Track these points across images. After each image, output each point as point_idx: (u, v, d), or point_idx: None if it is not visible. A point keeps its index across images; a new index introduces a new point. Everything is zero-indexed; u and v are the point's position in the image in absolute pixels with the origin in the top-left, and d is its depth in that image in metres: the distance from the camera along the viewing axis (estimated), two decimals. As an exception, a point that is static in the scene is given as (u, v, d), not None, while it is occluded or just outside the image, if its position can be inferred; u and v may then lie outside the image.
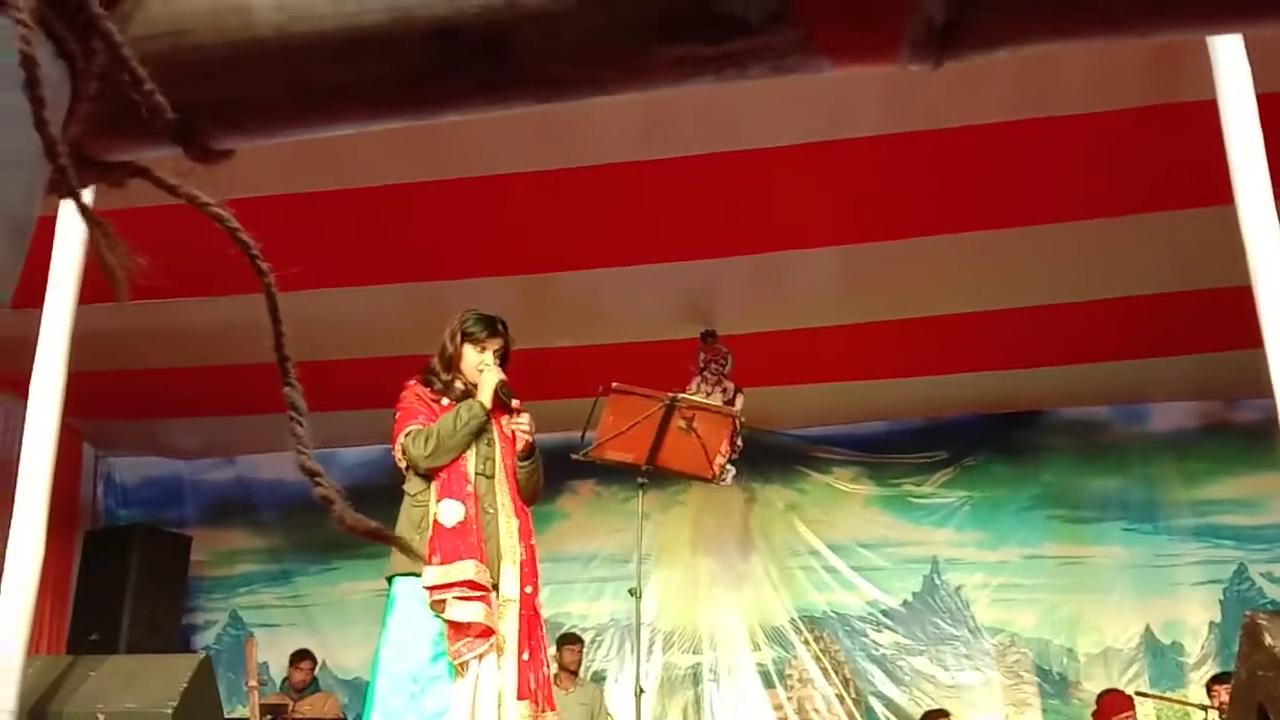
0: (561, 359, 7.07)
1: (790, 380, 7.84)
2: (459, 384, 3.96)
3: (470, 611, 3.61)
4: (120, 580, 7.90)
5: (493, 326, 4.01)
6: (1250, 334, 3.21)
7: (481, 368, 3.93)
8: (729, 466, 7.00)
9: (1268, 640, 3.20)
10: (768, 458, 8.48)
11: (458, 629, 3.62)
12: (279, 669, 7.97)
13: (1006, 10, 0.63)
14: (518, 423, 3.93)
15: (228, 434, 8.55)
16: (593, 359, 6.82)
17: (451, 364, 3.98)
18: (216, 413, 8.11)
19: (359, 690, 7.87)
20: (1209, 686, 6.73)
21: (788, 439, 8.66)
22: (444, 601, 3.62)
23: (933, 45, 0.64)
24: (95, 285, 3.72)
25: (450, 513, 3.74)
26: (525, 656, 3.69)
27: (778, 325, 7.25)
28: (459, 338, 3.99)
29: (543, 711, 3.71)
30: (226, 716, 4.79)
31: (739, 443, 6.96)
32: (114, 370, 6.95)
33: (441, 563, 3.65)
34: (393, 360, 4.30)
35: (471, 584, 3.63)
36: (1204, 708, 6.21)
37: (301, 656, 7.81)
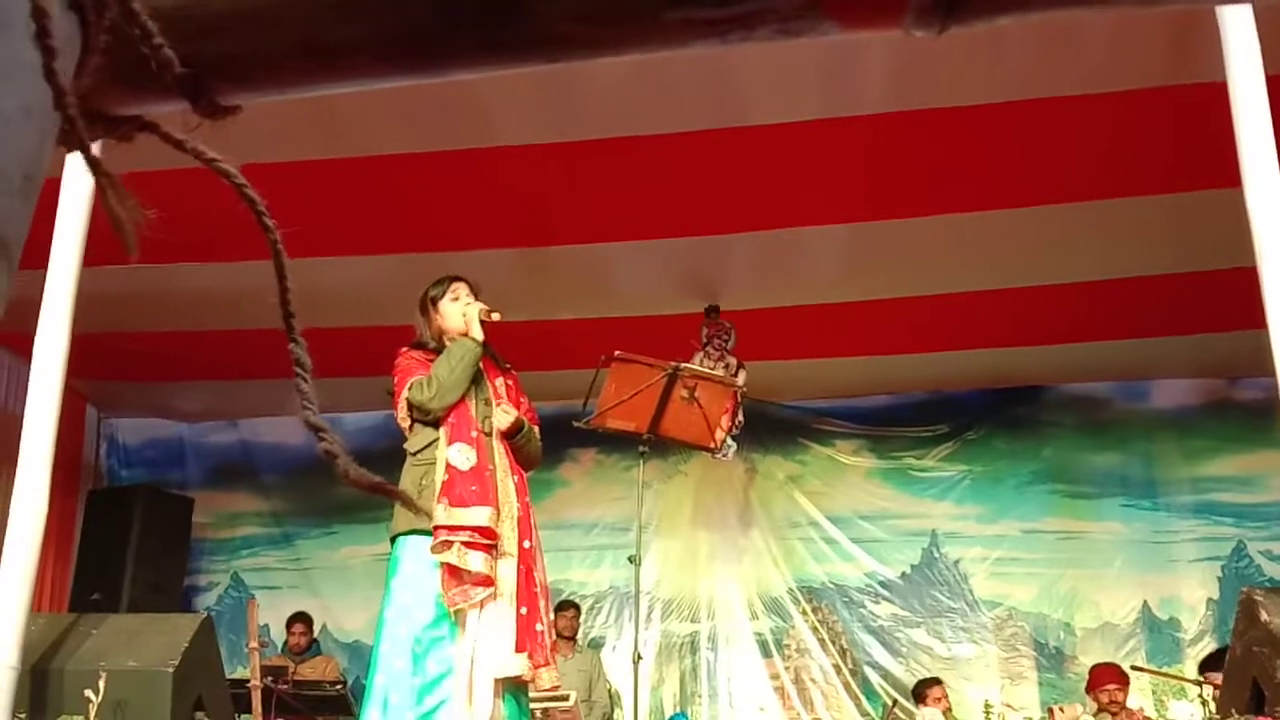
0: (564, 331, 7.08)
1: (793, 355, 7.85)
2: (449, 344, 4.01)
3: (474, 560, 3.63)
4: (122, 541, 7.92)
5: (449, 276, 4.09)
6: (1253, 314, 3.23)
7: (464, 309, 3.98)
8: (730, 441, 7.03)
9: (1264, 616, 3.23)
10: (769, 429, 8.49)
11: (454, 575, 3.63)
12: (280, 631, 8.01)
13: None
14: (504, 408, 3.94)
15: (230, 398, 8.57)
16: (596, 331, 6.82)
17: (439, 333, 4.02)
18: (220, 377, 8.13)
19: (359, 653, 7.92)
20: (1202, 670, 6.75)
21: (789, 411, 8.66)
22: (450, 544, 3.64)
23: (939, 11, 0.64)
24: (100, 248, 3.74)
25: (463, 456, 3.76)
26: (524, 611, 3.71)
27: (782, 301, 7.24)
28: (429, 307, 4.07)
29: (540, 666, 3.73)
30: (227, 677, 4.82)
31: (740, 418, 6.98)
32: (118, 333, 6.97)
33: (452, 505, 3.67)
34: (396, 329, 4.31)
35: (485, 531, 3.66)
36: (1199, 683, 6.24)
37: (296, 619, 7.85)
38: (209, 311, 6.87)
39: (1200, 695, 4.26)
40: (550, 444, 4.26)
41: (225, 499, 9.11)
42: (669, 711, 7.92)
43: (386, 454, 4.48)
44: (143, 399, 8.79)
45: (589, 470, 8.67)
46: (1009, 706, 6.61)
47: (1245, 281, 3.31)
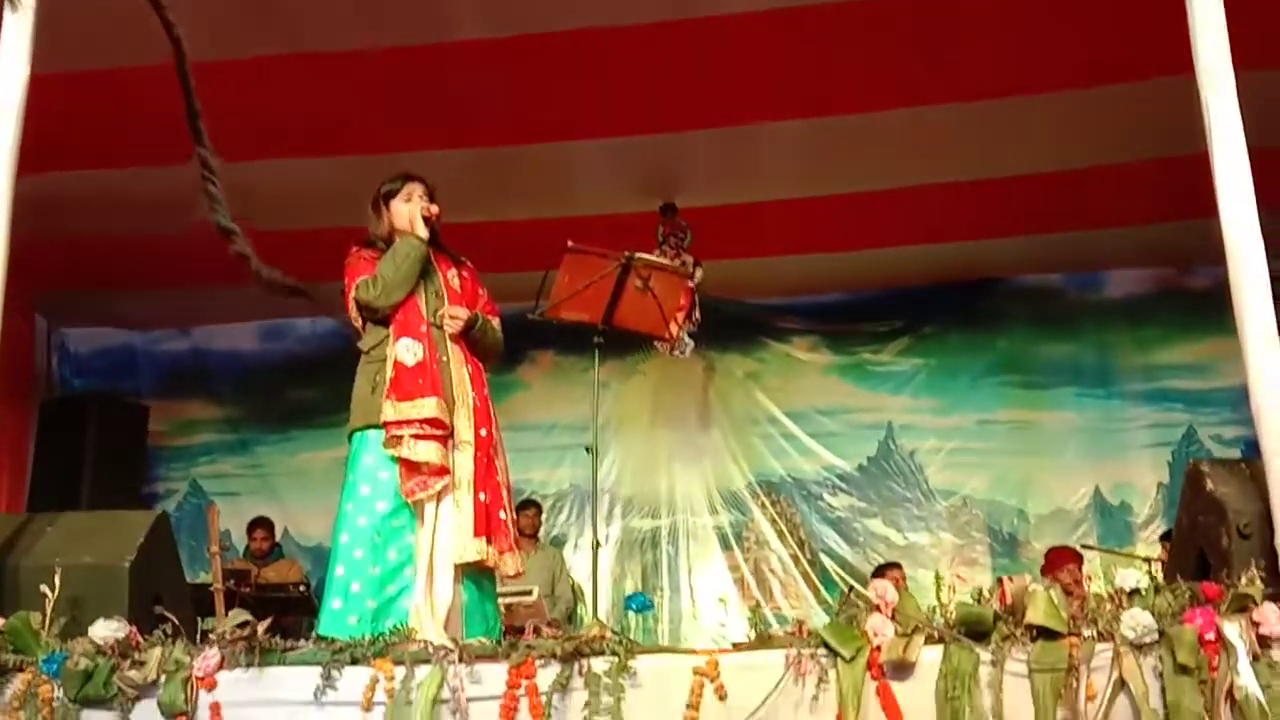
0: (518, 231, 7.01)
1: (750, 253, 7.85)
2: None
3: (424, 451, 3.65)
4: (78, 449, 7.87)
5: (405, 175, 4.05)
6: (1204, 202, 3.24)
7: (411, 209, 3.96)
8: (687, 339, 7.05)
9: (1209, 486, 3.28)
10: (727, 327, 8.49)
11: (410, 467, 3.67)
12: (241, 537, 8.00)
13: None
14: (452, 313, 3.91)
15: (182, 305, 8.51)
16: (550, 231, 6.72)
17: (389, 232, 3.98)
18: (170, 285, 8.03)
19: (322, 556, 7.91)
20: (1163, 543, 6.88)
21: (747, 309, 8.70)
22: (400, 438, 3.65)
23: None
24: (44, 155, 3.64)
25: (409, 351, 3.77)
26: (483, 498, 3.73)
27: (738, 198, 7.23)
28: (381, 204, 4.03)
29: (505, 551, 3.76)
30: (190, 582, 4.82)
31: (697, 316, 7.00)
32: (65, 240, 6.85)
33: (399, 400, 3.68)
34: (347, 231, 4.25)
35: (433, 421, 3.67)
36: (1147, 560, 6.38)
37: (257, 525, 7.85)
38: (158, 217, 6.74)
39: (1148, 570, 4.38)
40: (508, 346, 4.23)
41: (180, 407, 9.07)
42: (632, 609, 8.03)
43: (338, 357, 4.47)
44: (93, 308, 8.68)
45: (547, 371, 8.69)
46: (959, 577, 6.77)
47: (1196, 169, 3.32)
